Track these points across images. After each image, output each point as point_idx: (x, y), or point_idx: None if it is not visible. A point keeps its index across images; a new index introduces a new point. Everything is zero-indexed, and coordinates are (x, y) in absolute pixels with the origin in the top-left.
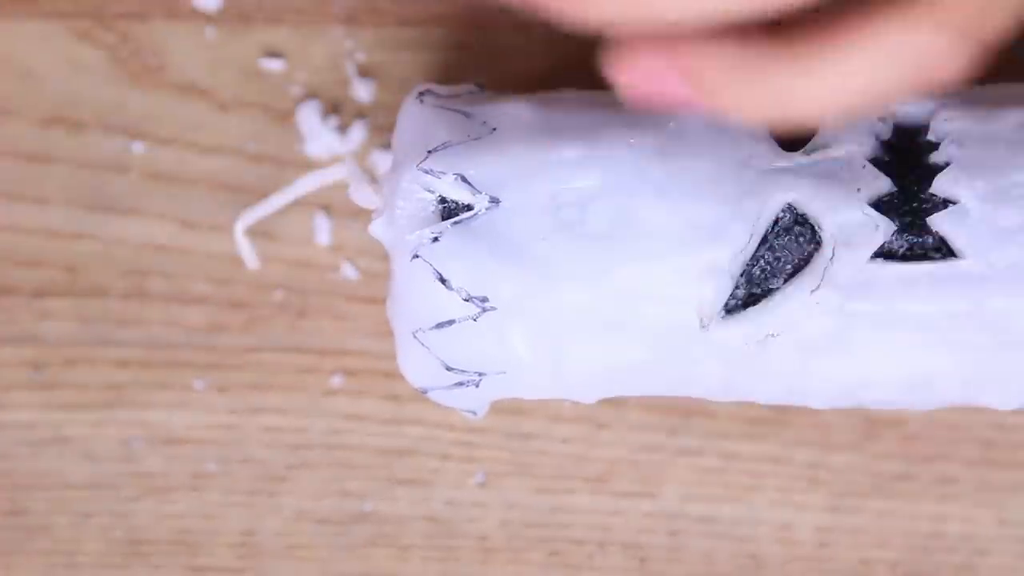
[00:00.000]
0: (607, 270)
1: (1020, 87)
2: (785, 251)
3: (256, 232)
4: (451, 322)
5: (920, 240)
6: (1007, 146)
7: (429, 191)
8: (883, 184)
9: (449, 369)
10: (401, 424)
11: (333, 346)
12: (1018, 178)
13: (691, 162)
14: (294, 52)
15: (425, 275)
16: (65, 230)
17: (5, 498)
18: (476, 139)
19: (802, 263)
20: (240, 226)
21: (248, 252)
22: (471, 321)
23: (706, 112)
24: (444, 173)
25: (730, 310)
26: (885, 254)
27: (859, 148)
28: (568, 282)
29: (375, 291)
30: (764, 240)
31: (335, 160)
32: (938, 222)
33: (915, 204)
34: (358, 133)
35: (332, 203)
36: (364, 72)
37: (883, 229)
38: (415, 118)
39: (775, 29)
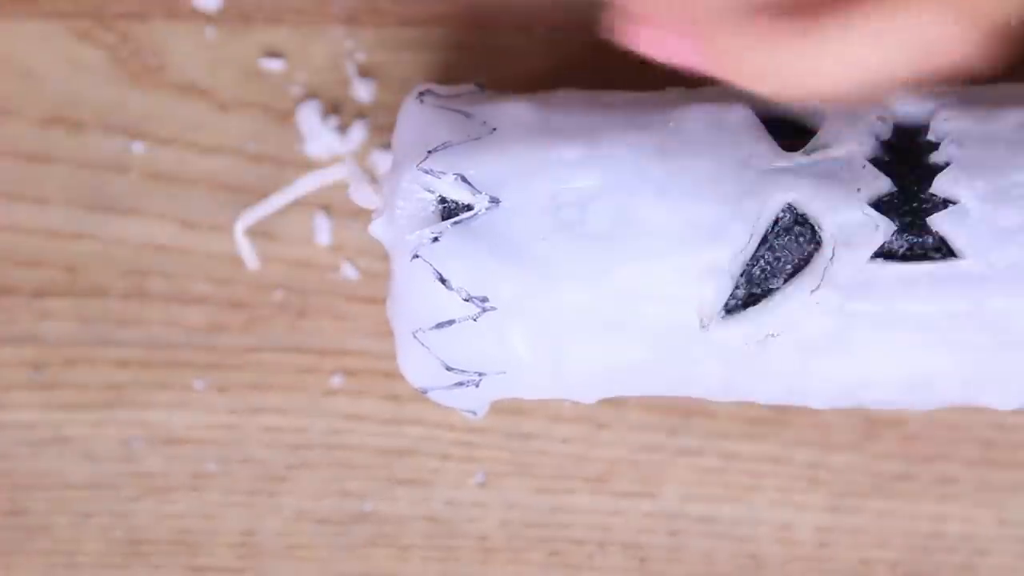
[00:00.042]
0: (607, 270)
1: (1020, 87)
2: (785, 251)
3: (256, 232)
4: (451, 322)
5: (920, 240)
6: (1007, 146)
7: (429, 191)
8: (883, 184)
9: (449, 369)
10: (401, 424)
11: (333, 346)
12: (1018, 178)
13: (691, 161)
14: (294, 52)
15: (425, 275)
16: (65, 230)
17: (5, 498)
18: (476, 139)
19: (802, 263)
20: (240, 226)
21: (248, 252)
22: (471, 321)
23: (713, 75)
24: (444, 173)
25: (730, 310)
26: (885, 254)
27: (859, 148)
28: (568, 282)
29: (375, 291)
30: (764, 240)
31: (335, 160)
32: (938, 222)
33: (915, 204)
34: (358, 133)
35: (332, 203)
36: (364, 72)
37: (883, 229)
38: (415, 118)
39: (786, 4)
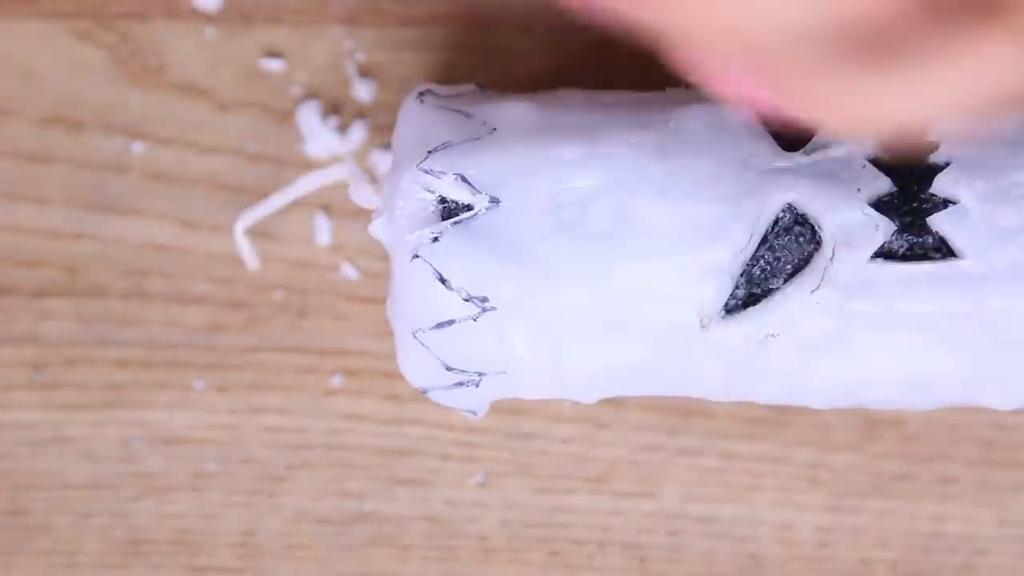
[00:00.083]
0: (607, 270)
1: None
2: (785, 251)
3: (256, 232)
4: (451, 322)
5: (920, 240)
6: (1007, 146)
7: (429, 191)
8: (883, 184)
9: (449, 369)
10: (401, 424)
11: (333, 346)
12: (1018, 178)
13: (691, 161)
14: (294, 52)
15: (425, 275)
16: (65, 230)
17: (5, 498)
18: (476, 139)
19: (802, 263)
20: (240, 226)
21: (248, 252)
22: (471, 321)
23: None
24: (444, 173)
25: (730, 310)
26: (885, 254)
27: (859, 148)
28: (568, 282)
29: (375, 291)
30: (764, 240)
31: (335, 160)
32: (938, 222)
33: (915, 204)
34: (358, 133)
35: (332, 203)
36: (364, 72)
37: (883, 229)
38: (415, 118)
39: (854, 39)
